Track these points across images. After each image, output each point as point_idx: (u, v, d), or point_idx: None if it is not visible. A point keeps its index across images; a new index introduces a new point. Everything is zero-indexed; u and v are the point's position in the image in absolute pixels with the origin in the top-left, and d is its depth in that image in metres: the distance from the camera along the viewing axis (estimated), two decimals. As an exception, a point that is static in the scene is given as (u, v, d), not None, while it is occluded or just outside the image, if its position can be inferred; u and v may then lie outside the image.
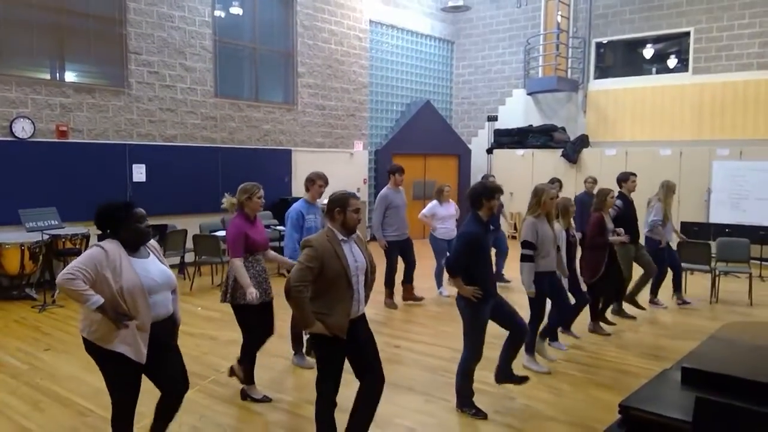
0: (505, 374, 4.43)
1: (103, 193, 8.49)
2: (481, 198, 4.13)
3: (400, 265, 7.44)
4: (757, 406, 2.04)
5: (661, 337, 6.28)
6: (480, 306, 4.09)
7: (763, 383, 2.27)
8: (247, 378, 4.45)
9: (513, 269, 8.13)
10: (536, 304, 5.09)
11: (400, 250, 7.38)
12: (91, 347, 3.09)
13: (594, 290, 6.15)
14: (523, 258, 4.96)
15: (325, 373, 3.37)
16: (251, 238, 4.37)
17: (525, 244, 4.97)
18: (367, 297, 3.49)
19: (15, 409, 4.34)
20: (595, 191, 7.27)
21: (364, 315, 3.49)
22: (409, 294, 7.55)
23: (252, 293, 4.19)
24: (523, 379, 4.48)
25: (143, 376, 3.16)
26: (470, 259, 4.09)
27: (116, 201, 3.22)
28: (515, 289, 7.61)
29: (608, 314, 6.58)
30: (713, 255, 7.71)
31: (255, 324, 4.41)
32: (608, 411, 4.13)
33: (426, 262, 8.15)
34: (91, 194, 8.48)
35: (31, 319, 6.86)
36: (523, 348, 4.76)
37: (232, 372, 4.51)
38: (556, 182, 8.26)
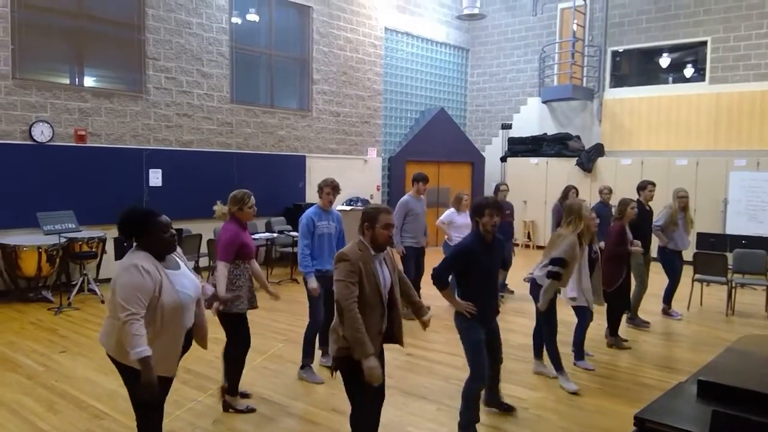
0: (491, 398, 4.39)
1: (120, 197, 8.60)
2: (474, 217, 3.95)
3: None
4: (774, 421, 2.02)
5: (676, 349, 6.22)
6: (474, 324, 3.89)
7: (781, 397, 2.24)
8: (232, 389, 4.35)
9: (516, 277, 8.16)
10: (550, 319, 5.00)
11: (415, 258, 7.37)
12: (120, 364, 2.96)
13: (611, 302, 6.00)
14: (552, 275, 4.80)
15: (358, 403, 3.22)
16: (247, 245, 4.34)
17: (557, 261, 4.81)
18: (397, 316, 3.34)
19: (30, 410, 4.39)
20: (611, 201, 7.23)
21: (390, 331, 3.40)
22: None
23: (226, 299, 4.15)
24: (509, 409, 4.38)
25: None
26: (462, 274, 3.93)
27: (139, 207, 3.11)
28: (522, 297, 7.57)
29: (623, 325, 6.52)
30: (729, 267, 7.64)
31: (242, 333, 4.38)
32: (623, 422, 4.10)
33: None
34: (108, 198, 8.60)
35: (48, 321, 6.94)
36: (552, 367, 4.98)
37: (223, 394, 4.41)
38: (572, 189, 8.23)
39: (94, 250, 8.21)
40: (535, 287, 5.07)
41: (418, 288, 7.45)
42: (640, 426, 2.28)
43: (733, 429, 2.05)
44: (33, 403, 4.52)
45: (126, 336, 2.73)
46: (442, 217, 7.96)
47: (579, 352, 5.50)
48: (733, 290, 7.68)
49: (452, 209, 7.90)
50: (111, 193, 8.72)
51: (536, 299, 5.01)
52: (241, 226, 4.37)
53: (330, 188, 5.29)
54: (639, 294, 6.96)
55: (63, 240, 7.71)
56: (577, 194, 8.27)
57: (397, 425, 4.10)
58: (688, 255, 8.35)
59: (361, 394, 3.18)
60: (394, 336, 3.37)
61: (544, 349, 5.17)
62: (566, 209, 5.06)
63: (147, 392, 2.79)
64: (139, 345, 2.71)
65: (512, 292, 8.37)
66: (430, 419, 4.31)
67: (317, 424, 4.14)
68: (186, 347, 3.15)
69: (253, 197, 4.41)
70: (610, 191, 8.58)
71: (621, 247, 6.02)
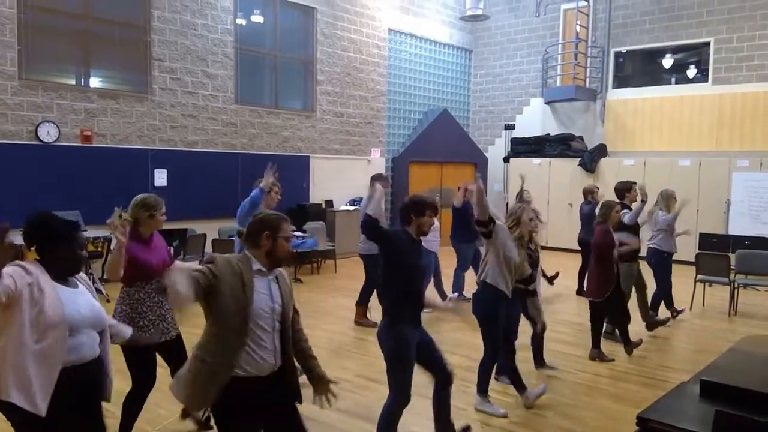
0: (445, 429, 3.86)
1: (126, 197, 8.58)
2: (410, 213, 3.55)
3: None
4: (776, 421, 2.05)
5: (679, 349, 6.24)
6: (402, 335, 3.46)
7: (783, 398, 2.27)
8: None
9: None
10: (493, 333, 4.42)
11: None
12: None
13: (598, 314, 5.70)
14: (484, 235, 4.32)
15: None
16: (144, 263, 3.55)
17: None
18: (285, 350, 2.69)
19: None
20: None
21: (284, 372, 2.70)
22: None
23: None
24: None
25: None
26: (388, 275, 3.56)
27: (58, 215, 2.63)
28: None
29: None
30: (732, 267, 7.64)
31: (147, 369, 3.59)
32: (625, 423, 4.13)
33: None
34: (113, 198, 8.56)
35: (54, 320, 6.97)
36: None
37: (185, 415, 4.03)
38: (596, 189, 8.43)
39: (99, 249, 8.26)
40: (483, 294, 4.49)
41: None
42: (643, 426, 2.31)
43: (735, 429, 2.07)
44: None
45: None
46: None
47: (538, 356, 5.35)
48: (736, 291, 7.68)
49: None
50: (117, 193, 8.68)
51: (485, 308, 4.42)
52: (141, 238, 3.62)
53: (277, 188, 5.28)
54: (643, 297, 6.65)
55: (69, 240, 7.74)
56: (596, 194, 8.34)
57: (401, 425, 4.12)
58: (690, 255, 8.38)
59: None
60: (286, 381, 2.70)
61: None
62: (509, 212, 4.71)
63: None
64: None
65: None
66: (431, 418, 4.33)
67: (319, 422, 4.17)
68: (85, 391, 2.59)
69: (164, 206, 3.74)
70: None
71: (608, 250, 5.60)
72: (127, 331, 3.06)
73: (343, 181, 12.39)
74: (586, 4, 13.44)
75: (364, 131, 12.92)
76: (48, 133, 8.40)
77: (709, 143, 12.17)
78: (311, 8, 11.74)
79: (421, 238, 3.58)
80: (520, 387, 4.55)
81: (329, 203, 11.89)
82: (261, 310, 2.56)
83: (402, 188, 13.08)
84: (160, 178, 9.49)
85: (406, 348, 3.47)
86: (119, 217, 3.35)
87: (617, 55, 13.59)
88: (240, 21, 10.76)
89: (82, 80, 9.02)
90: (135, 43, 9.36)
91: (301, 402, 2.78)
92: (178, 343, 3.73)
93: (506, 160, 14.42)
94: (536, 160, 13.71)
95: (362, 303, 6.87)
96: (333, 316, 7.28)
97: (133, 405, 3.61)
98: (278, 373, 2.66)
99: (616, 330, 6.05)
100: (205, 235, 8.96)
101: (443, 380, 3.73)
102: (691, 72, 12.81)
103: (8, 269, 2.36)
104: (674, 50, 12.94)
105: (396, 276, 3.52)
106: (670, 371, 5.43)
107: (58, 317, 2.44)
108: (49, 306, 2.43)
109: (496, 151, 15.08)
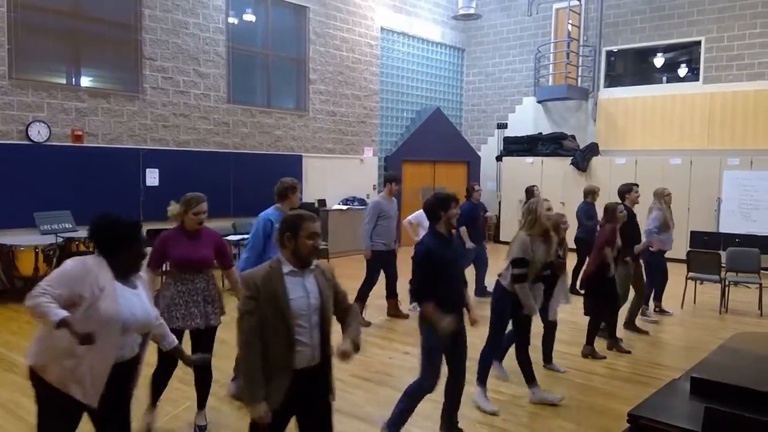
0: (449, 426, 3.98)
1: (117, 196, 8.61)
2: (438, 210, 3.76)
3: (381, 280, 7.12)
4: (766, 417, 2.06)
5: (670, 347, 6.27)
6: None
7: (772, 394, 2.28)
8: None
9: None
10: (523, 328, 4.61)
11: (383, 262, 7.04)
12: (36, 378, 2.62)
13: (596, 309, 5.84)
14: (516, 278, 4.38)
15: None
16: (176, 254, 3.92)
17: (517, 263, 4.39)
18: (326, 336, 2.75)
19: (26, 410, 4.38)
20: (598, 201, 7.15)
21: (322, 367, 2.74)
22: (394, 309, 7.20)
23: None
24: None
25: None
26: (429, 277, 3.66)
27: (124, 217, 2.79)
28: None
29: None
30: (723, 265, 7.69)
31: (162, 355, 3.77)
32: (617, 420, 4.14)
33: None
34: (105, 198, 8.60)
35: (45, 320, 6.93)
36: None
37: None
38: (597, 190, 8.46)
39: (91, 249, 8.20)
40: (496, 290, 4.63)
41: (394, 293, 7.18)
42: (634, 423, 2.32)
43: (725, 425, 2.08)
44: (29, 402, 4.48)
45: (37, 313, 2.44)
46: (410, 217, 7.70)
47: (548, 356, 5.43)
48: (727, 288, 7.74)
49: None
50: (108, 193, 8.72)
51: (495, 303, 4.60)
52: (186, 232, 3.97)
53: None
54: (638, 303, 6.73)
55: (60, 240, 7.72)
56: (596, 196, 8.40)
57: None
58: (681, 253, 8.42)
59: None
60: (321, 376, 2.74)
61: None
62: (525, 209, 4.65)
63: (85, 340, 2.43)
64: (49, 311, 2.40)
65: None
66: (428, 417, 4.33)
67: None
68: (118, 383, 2.68)
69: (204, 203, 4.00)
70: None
71: (606, 248, 5.66)
72: (172, 340, 3.13)
73: (336, 180, 12.38)
74: (577, 3, 13.49)
75: (356, 130, 12.91)
76: (38, 133, 8.34)
77: (700, 142, 12.24)
78: (303, 7, 11.71)
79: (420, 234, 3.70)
80: (530, 378, 4.62)
81: (322, 202, 11.88)
82: (299, 310, 2.63)
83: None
84: (152, 177, 9.45)
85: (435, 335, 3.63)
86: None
87: (609, 54, 13.64)
88: (232, 20, 10.72)
89: (73, 79, 8.96)
90: (126, 42, 9.31)
91: (333, 399, 2.82)
92: (206, 334, 3.96)
93: (499, 159, 14.45)
94: (529, 159, 13.74)
95: (359, 299, 6.89)
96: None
97: (159, 380, 3.94)
98: (315, 367, 2.70)
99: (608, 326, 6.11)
100: (197, 235, 8.92)
101: (455, 374, 3.87)
102: (682, 71, 12.88)
103: (66, 269, 2.55)
104: (665, 49, 12.99)
105: (437, 278, 3.67)
106: (661, 368, 5.46)
107: (112, 315, 2.54)
108: (104, 303, 2.53)
109: (488, 149, 15.10)
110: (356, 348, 2.75)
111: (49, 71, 8.78)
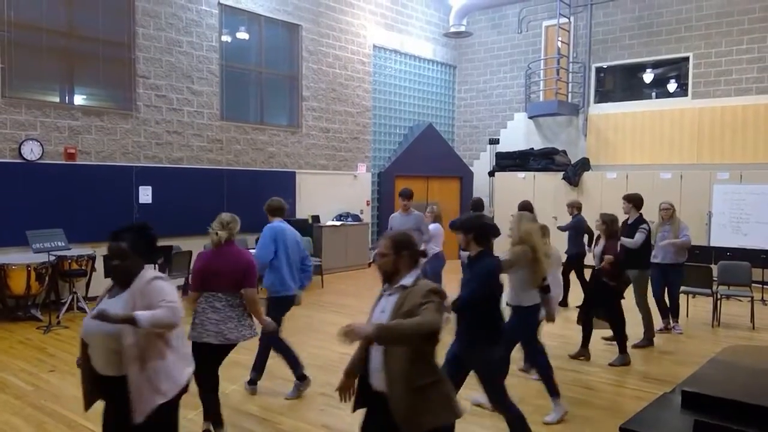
0: None
1: (110, 215, 8.59)
2: (490, 235, 3.88)
3: None
4: (757, 431, 2.07)
5: (663, 360, 6.29)
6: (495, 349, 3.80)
7: (764, 407, 2.28)
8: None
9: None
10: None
11: None
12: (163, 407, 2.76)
13: (589, 313, 6.22)
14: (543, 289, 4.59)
15: None
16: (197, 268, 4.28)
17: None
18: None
19: (19, 431, 4.36)
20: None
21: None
22: None
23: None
24: None
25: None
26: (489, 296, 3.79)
27: (132, 225, 3.03)
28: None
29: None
30: (714, 278, 7.74)
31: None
32: (611, 434, 4.15)
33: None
34: (98, 216, 8.59)
35: (36, 340, 6.89)
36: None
37: None
38: (580, 204, 8.75)
39: (83, 268, 8.18)
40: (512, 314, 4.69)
41: None
42: (626, 437, 2.33)
43: (715, 438, 2.10)
44: (22, 423, 4.50)
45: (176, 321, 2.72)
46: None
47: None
48: (719, 302, 7.78)
49: (436, 223, 7.80)
50: (101, 211, 8.71)
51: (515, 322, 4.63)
52: (217, 248, 4.25)
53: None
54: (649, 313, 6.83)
55: (52, 258, 7.69)
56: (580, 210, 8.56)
57: None
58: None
59: None
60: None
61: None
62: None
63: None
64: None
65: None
66: None
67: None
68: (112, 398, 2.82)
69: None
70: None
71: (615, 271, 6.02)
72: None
73: (330, 196, 12.41)
74: (567, 20, 13.66)
75: (349, 146, 12.97)
76: (31, 151, 8.34)
77: (690, 156, 12.36)
78: (296, 25, 11.82)
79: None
80: (553, 391, 4.66)
81: (316, 218, 11.89)
82: None
83: (388, 203, 13.13)
84: (145, 195, 9.44)
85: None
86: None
87: (598, 70, 13.80)
88: (225, 38, 10.79)
89: (66, 97, 8.98)
90: (119, 61, 9.35)
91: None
92: (209, 348, 4.04)
93: (491, 174, 14.53)
94: (521, 174, 13.82)
95: None
96: (320, 332, 7.25)
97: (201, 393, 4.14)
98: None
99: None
100: (190, 252, 8.91)
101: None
102: (671, 86, 13.03)
103: (165, 285, 2.79)
104: (654, 65, 13.16)
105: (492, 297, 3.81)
106: (653, 382, 5.47)
107: (181, 320, 2.78)
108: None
109: (481, 165, 15.18)
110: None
111: (42, 90, 8.80)
